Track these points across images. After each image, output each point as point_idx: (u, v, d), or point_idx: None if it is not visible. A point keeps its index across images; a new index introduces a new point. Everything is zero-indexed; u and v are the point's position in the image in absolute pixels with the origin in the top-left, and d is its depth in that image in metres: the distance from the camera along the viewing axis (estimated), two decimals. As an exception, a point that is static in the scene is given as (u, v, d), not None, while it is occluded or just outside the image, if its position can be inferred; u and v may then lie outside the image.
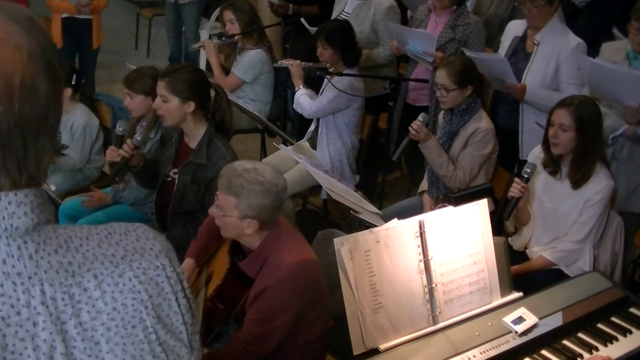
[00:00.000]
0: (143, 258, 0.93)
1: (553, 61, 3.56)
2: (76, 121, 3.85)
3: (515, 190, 2.89)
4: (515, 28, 3.81)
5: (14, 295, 0.83)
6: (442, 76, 3.30)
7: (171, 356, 0.93)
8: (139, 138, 3.07)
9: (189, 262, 2.70)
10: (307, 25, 4.68)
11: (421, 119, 3.34)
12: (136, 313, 0.89)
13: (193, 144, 3.07)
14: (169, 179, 3.15)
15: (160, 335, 0.91)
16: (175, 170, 3.11)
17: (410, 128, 3.33)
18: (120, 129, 3.22)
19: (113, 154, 3.07)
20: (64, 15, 5.37)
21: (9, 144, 0.83)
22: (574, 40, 3.57)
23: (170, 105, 2.97)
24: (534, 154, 3.08)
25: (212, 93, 3.14)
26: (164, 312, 0.92)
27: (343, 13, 4.57)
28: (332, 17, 4.59)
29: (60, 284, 0.85)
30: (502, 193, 3.39)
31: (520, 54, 3.65)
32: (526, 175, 2.91)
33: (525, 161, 3.60)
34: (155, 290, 0.92)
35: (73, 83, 3.83)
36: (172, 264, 0.95)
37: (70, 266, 0.86)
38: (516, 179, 2.92)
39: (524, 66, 3.60)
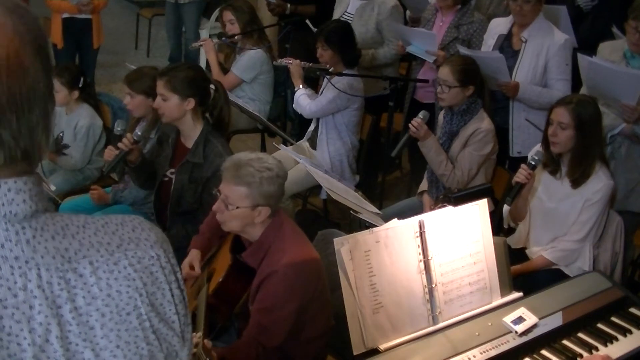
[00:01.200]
0: (138, 247, 0.94)
1: (542, 58, 3.59)
2: (80, 121, 3.86)
3: (521, 176, 2.90)
4: (498, 26, 3.83)
5: (11, 279, 0.84)
6: (445, 72, 3.31)
7: (164, 344, 0.94)
8: (139, 133, 3.07)
9: (195, 252, 2.69)
10: (311, 27, 4.68)
11: (421, 116, 3.34)
12: (130, 300, 0.91)
13: (189, 143, 3.07)
14: (166, 179, 3.15)
15: (154, 323, 0.93)
16: (173, 170, 3.11)
17: (410, 125, 3.34)
18: (119, 129, 3.22)
19: (111, 153, 3.07)
20: (65, 15, 5.37)
21: (1, 116, 0.84)
22: (561, 36, 3.61)
23: (170, 104, 2.98)
24: (534, 152, 3.08)
25: (212, 89, 3.14)
26: (157, 301, 0.94)
27: (346, 13, 4.57)
28: (334, 18, 4.58)
29: (56, 269, 0.87)
30: (502, 193, 3.39)
31: (507, 51, 3.66)
32: (533, 163, 2.91)
33: (515, 158, 3.63)
34: (149, 279, 0.93)
35: (80, 85, 3.83)
36: (166, 255, 0.97)
37: (67, 252, 0.88)
38: (523, 165, 2.92)
39: (511, 64, 3.62)
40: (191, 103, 2.99)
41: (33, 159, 0.89)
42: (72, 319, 0.87)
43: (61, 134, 3.91)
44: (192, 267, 2.63)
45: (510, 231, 3.22)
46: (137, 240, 0.95)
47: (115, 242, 0.93)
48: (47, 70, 0.89)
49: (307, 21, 4.73)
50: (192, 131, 3.06)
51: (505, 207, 3.13)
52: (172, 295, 0.96)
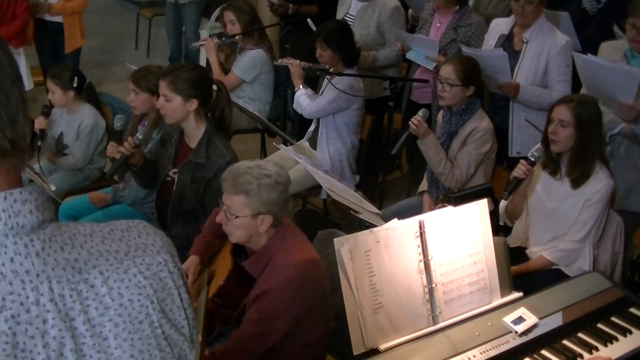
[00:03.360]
0: (146, 254, 0.93)
1: (543, 59, 3.59)
2: (84, 120, 3.86)
3: (519, 170, 2.90)
4: (499, 26, 3.83)
5: (23, 293, 0.83)
6: (448, 70, 3.31)
7: (175, 349, 0.94)
8: (140, 137, 3.07)
9: (193, 259, 2.68)
10: (313, 26, 4.68)
11: (421, 114, 3.35)
12: (142, 308, 0.90)
13: (193, 143, 3.08)
14: (169, 178, 3.15)
15: (166, 330, 0.93)
16: (175, 170, 3.12)
17: (410, 123, 3.34)
18: (118, 124, 3.23)
19: (113, 149, 3.08)
20: (38, 15, 5.36)
21: None
22: (562, 37, 3.61)
23: (173, 104, 2.97)
24: (535, 148, 3.07)
25: (214, 89, 3.14)
26: (167, 307, 0.94)
27: (347, 15, 4.58)
28: (336, 19, 4.58)
29: (67, 280, 0.86)
30: (501, 193, 3.39)
31: (507, 52, 3.65)
32: (533, 159, 2.90)
33: (514, 158, 3.63)
34: (159, 285, 0.93)
35: (75, 85, 3.83)
36: (173, 259, 0.96)
37: (77, 263, 0.87)
38: (522, 161, 2.92)
39: (512, 64, 3.62)
40: (194, 104, 2.99)
41: (21, 150, 0.88)
42: (86, 330, 0.86)
43: (61, 135, 3.91)
44: (186, 275, 2.61)
45: (509, 230, 3.22)
46: (144, 246, 0.94)
47: (122, 249, 0.92)
48: (10, 60, 0.88)
49: (309, 20, 4.73)
50: (195, 131, 3.06)
51: (502, 204, 3.13)
52: (181, 300, 0.96)
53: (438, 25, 4.16)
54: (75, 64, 5.47)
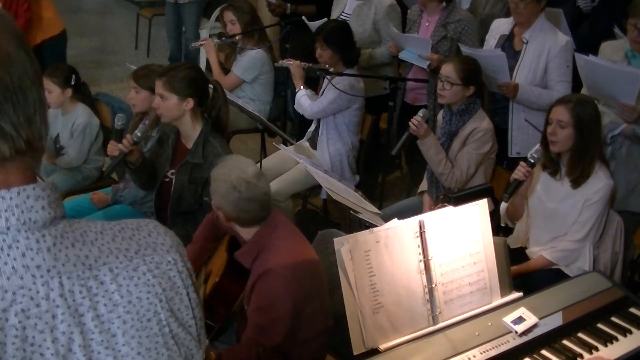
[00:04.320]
0: (155, 253, 0.94)
1: (543, 59, 3.58)
2: (77, 119, 3.86)
3: (519, 173, 2.90)
4: (500, 27, 3.83)
5: (33, 288, 0.84)
6: (449, 69, 3.31)
7: (182, 349, 0.95)
8: (139, 134, 3.08)
9: None
10: (309, 24, 4.67)
11: (421, 115, 3.34)
12: (151, 306, 0.91)
13: (189, 143, 3.08)
14: (167, 179, 3.16)
15: (173, 329, 0.93)
16: (173, 170, 3.12)
17: (410, 123, 3.34)
18: (119, 123, 3.23)
19: (113, 148, 3.08)
20: None
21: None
22: (562, 38, 3.60)
23: (169, 104, 2.98)
24: (534, 150, 3.07)
25: (210, 89, 3.14)
26: (175, 306, 0.94)
27: (343, 14, 4.57)
28: (332, 18, 4.58)
29: (77, 276, 0.86)
30: (501, 193, 3.39)
31: (508, 52, 3.65)
32: (532, 160, 2.90)
33: (514, 158, 3.63)
34: (168, 284, 0.93)
35: (73, 83, 3.83)
36: (182, 259, 0.97)
37: (87, 259, 0.88)
38: (522, 163, 2.92)
39: (512, 64, 3.62)
40: (190, 103, 2.99)
41: (37, 150, 0.89)
42: (95, 327, 0.86)
43: (57, 136, 3.91)
44: None
45: (509, 230, 3.22)
46: (154, 245, 0.95)
47: (133, 247, 0.93)
48: (31, 60, 0.89)
49: (304, 18, 4.71)
50: (191, 131, 3.07)
51: (503, 205, 3.12)
52: (189, 300, 0.96)
53: (427, 24, 4.16)
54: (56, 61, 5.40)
